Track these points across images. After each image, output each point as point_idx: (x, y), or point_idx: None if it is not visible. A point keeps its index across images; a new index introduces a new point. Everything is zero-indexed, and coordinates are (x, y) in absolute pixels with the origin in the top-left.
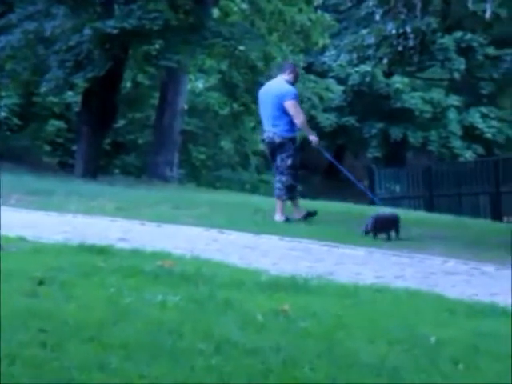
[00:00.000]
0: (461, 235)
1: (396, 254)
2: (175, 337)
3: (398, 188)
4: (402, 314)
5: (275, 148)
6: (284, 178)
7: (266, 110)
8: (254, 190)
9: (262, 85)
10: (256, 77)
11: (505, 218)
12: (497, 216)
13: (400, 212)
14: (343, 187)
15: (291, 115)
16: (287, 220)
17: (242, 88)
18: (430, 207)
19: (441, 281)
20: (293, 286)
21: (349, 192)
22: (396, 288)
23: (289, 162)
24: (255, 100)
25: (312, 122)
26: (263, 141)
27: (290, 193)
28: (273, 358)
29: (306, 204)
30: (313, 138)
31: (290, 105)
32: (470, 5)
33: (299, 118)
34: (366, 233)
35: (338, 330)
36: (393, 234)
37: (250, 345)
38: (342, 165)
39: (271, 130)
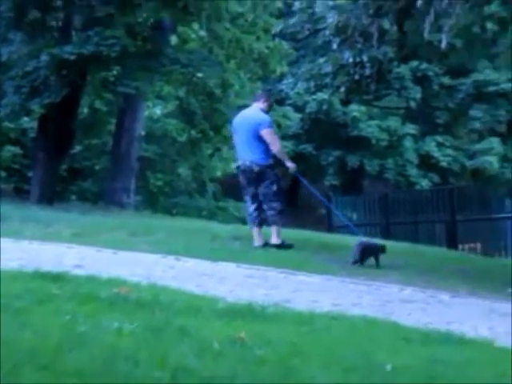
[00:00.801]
0: (417, 263)
1: (353, 282)
2: (131, 364)
3: (354, 216)
4: (359, 342)
5: (252, 176)
6: (274, 205)
7: (241, 138)
8: (212, 216)
9: (222, 112)
10: (214, 104)
11: (460, 246)
12: (452, 244)
13: (355, 240)
14: (301, 214)
15: (268, 143)
16: (283, 244)
17: (199, 115)
18: (387, 235)
19: (397, 309)
20: (249, 313)
21: (306, 219)
22: (353, 315)
23: (274, 188)
24: (213, 127)
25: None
26: (238, 168)
27: (283, 217)
28: None
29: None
30: (290, 164)
31: (267, 133)
32: (425, 35)
33: (276, 146)
34: (355, 262)
35: (293, 357)
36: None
37: (206, 373)
38: (299, 192)
39: (248, 158)
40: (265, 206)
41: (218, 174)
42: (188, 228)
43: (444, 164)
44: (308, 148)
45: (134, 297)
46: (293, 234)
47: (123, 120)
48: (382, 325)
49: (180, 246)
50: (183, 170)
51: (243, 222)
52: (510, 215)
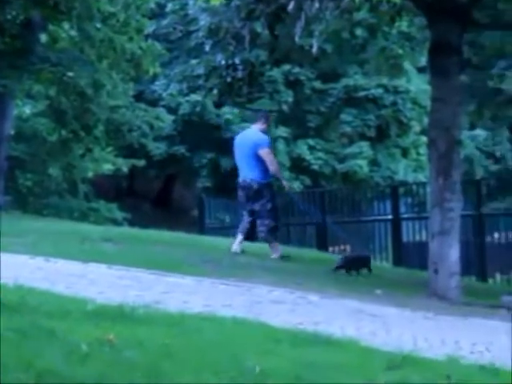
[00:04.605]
0: (287, 265)
1: (224, 283)
2: None
3: (227, 218)
4: (229, 343)
5: (251, 193)
6: (267, 222)
7: (242, 157)
8: (83, 217)
9: (93, 112)
10: (85, 104)
11: (330, 248)
12: (322, 246)
13: (228, 241)
14: (173, 216)
15: (266, 162)
16: (283, 257)
17: (70, 115)
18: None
19: (267, 309)
20: (120, 314)
21: (178, 221)
22: (223, 317)
23: (269, 206)
24: (84, 127)
25: (142, 150)
26: (238, 184)
27: (275, 234)
28: None
29: (136, 232)
30: (285, 183)
31: (265, 153)
32: (297, 39)
33: (273, 165)
34: (337, 269)
35: (163, 359)
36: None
37: (73, 375)
38: (172, 195)
39: (248, 176)
40: (258, 222)
41: (90, 174)
42: (59, 229)
43: (315, 167)
44: (181, 150)
45: None
46: (165, 235)
47: None
48: (252, 326)
49: (50, 247)
50: (54, 170)
51: (115, 223)
52: (378, 218)
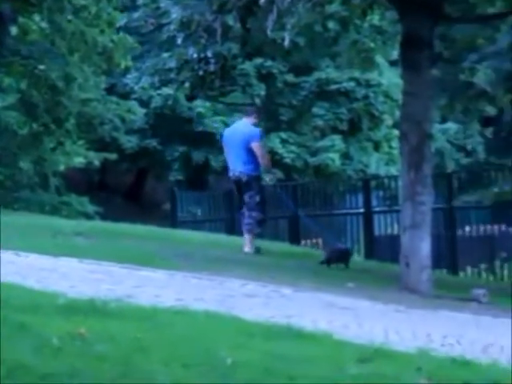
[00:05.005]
0: (260, 258)
1: (196, 277)
2: None
3: (199, 211)
4: (200, 337)
5: (241, 186)
6: (254, 214)
7: (232, 150)
8: (55, 211)
9: (64, 106)
10: (56, 97)
11: (303, 242)
12: (295, 240)
13: (200, 235)
14: (145, 209)
15: (258, 156)
16: (257, 251)
17: (41, 108)
18: (232, 230)
19: (240, 303)
20: (91, 308)
21: (150, 214)
22: (195, 310)
23: (257, 198)
24: (55, 120)
25: (114, 144)
26: (229, 178)
27: (260, 227)
28: (67, 382)
29: (108, 226)
30: (272, 177)
31: (257, 146)
32: (269, 32)
33: (265, 159)
34: (323, 262)
35: (135, 353)
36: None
37: (44, 369)
38: (144, 188)
39: (238, 169)
40: (246, 214)
41: (61, 168)
42: (30, 223)
43: (288, 160)
44: (153, 143)
45: None
46: (137, 229)
47: None
48: (224, 319)
49: (20, 241)
50: (25, 164)
51: (87, 216)
52: (350, 211)
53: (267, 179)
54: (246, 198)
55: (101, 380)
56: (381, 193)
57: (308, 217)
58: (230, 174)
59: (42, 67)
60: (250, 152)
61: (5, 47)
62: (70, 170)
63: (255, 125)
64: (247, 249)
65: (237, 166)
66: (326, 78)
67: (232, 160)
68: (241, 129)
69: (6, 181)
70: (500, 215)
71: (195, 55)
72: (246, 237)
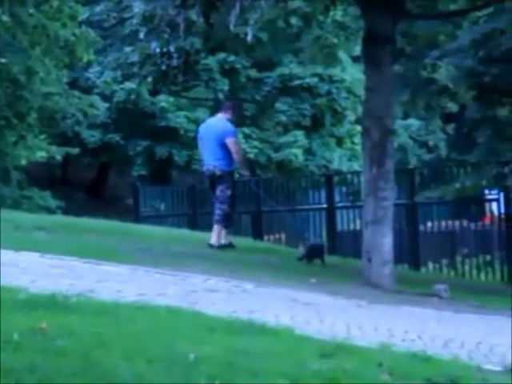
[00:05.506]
0: (223, 253)
1: (159, 272)
2: None
3: (162, 206)
4: (162, 332)
5: (215, 180)
6: (223, 206)
7: (207, 145)
8: (16, 205)
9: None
10: (18, 91)
11: (265, 237)
12: (258, 235)
13: (163, 230)
14: (107, 204)
15: (231, 151)
16: (230, 246)
17: (3, 102)
18: (194, 225)
19: (202, 298)
20: (52, 303)
21: (113, 209)
22: (157, 305)
23: (228, 192)
24: (17, 114)
25: (76, 138)
26: (203, 173)
27: (228, 221)
28: (28, 377)
29: (70, 221)
30: (245, 172)
31: (231, 142)
32: (232, 27)
33: (238, 155)
34: (302, 258)
35: (96, 348)
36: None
37: (4, 365)
38: (106, 183)
39: (212, 163)
40: (216, 206)
41: (23, 162)
42: None
43: (251, 156)
44: (115, 137)
45: None
46: (99, 223)
47: None
48: (186, 314)
49: None
50: None
51: (48, 211)
52: (313, 206)
53: (244, 176)
54: (218, 191)
55: (61, 375)
56: (343, 188)
57: (270, 212)
58: (204, 168)
59: (3, 61)
60: (224, 147)
61: None
62: (32, 165)
63: (230, 120)
64: (213, 241)
65: (211, 161)
66: (289, 73)
67: (206, 155)
68: (215, 124)
69: None
70: (461, 211)
71: (158, 50)
72: (215, 227)
